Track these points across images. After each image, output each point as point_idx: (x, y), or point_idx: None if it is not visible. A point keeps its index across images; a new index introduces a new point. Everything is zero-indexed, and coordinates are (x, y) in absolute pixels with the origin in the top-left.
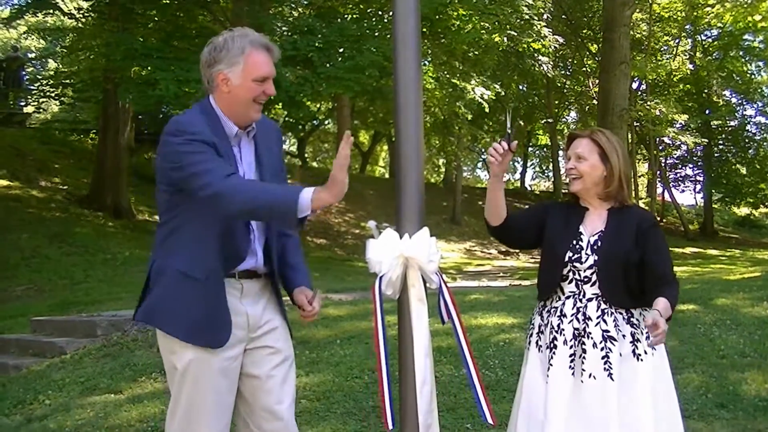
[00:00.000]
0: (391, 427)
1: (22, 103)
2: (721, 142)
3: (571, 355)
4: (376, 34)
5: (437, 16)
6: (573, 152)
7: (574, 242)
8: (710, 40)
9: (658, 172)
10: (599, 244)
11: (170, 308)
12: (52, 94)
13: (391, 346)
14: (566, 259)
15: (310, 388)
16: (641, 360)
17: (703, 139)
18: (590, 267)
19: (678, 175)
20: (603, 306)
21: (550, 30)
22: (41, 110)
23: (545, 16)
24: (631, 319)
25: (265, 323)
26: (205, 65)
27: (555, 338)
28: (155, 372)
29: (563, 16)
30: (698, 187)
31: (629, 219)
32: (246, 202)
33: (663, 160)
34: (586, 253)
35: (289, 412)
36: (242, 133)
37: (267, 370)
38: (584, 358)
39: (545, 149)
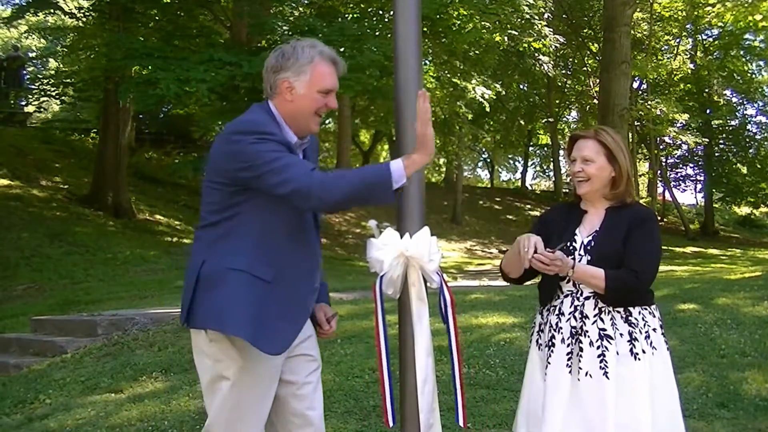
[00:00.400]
0: (392, 424)
1: (23, 103)
2: (721, 141)
3: (568, 354)
4: (377, 33)
5: (438, 16)
6: (579, 155)
7: (568, 244)
8: (711, 39)
9: (659, 172)
10: (592, 244)
11: (237, 311)
12: (53, 94)
13: (392, 345)
14: None
15: None
16: (639, 359)
17: (703, 139)
18: None
19: (679, 174)
20: (600, 304)
21: (551, 29)
22: (42, 110)
23: (546, 16)
24: (629, 317)
25: (302, 331)
26: (270, 71)
27: (553, 336)
28: (156, 371)
29: (564, 16)
30: (699, 186)
31: (624, 217)
32: (342, 191)
33: (664, 160)
34: (579, 254)
35: (320, 419)
36: (299, 144)
37: (303, 377)
38: (581, 356)
39: (546, 149)
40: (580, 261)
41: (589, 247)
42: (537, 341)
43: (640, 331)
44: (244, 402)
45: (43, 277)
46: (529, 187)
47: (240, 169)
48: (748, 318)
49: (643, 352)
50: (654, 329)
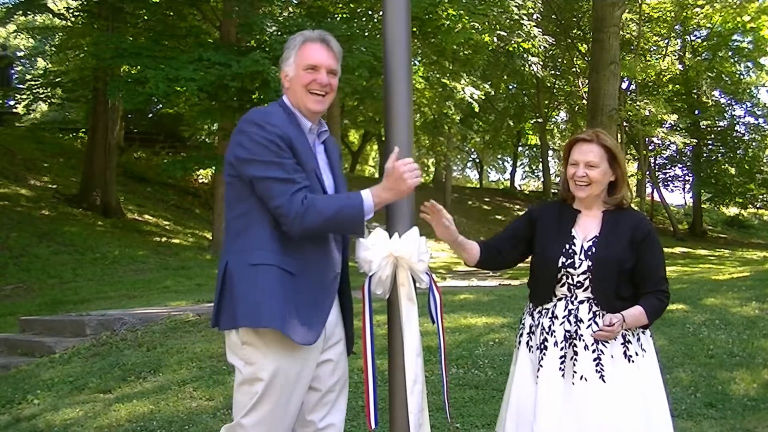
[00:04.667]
0: (374, 426)
1: (11, 103)
2: (710, 142)
3: (561, 357)
4: (366, 33)
5: (427, 16)
6: (583, 159)
7: (567, 246)
8: (699, 40)
9: (648, 172)
10: (593, 250)
11: (271, 304)
12: (42, 95)
13: (381, 346)
14: (560, 264)
15: None
16: (633, 361)
17: (692, 140)
18: (584, 273)
19: (667, 175)
20: (594, 308)
21: (540, 30)
22: (30, 110)
23: (535, 16)
24: None
25: (335, 333)
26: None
27: (546, 339)
28: (144, 371)
29: (553, 16)
30: (687, 187)
31: (624, 224)
32: (317, 223)
33: (652, 160)
34: (580, 259)
35: (340, 424)
36: (314, 129)
37: (329, 385)
38: (575, 360)
39: (535, 149)
40: (580, 266)
41: (590, 253)
42: (527, 343)
43: (632, 333)
44: (276, 403)
45: (32, 277)
46: (518, 188)
47: (241, 160)
48: (737, 318)
49: (636, 354)
50: (643, 331)
